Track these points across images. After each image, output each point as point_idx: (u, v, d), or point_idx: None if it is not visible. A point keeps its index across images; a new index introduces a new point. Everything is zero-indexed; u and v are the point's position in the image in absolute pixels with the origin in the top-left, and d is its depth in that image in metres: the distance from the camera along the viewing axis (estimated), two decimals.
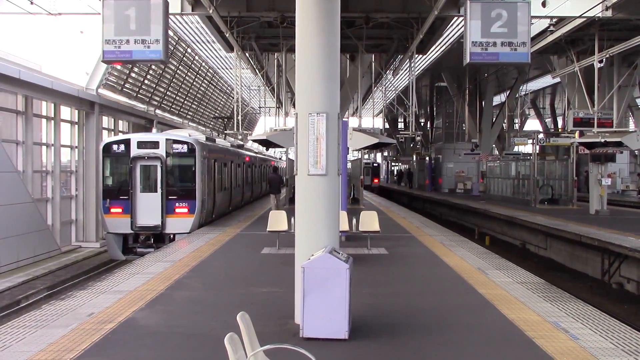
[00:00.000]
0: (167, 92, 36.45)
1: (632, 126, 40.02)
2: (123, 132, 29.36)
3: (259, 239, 15.97)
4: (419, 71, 34.59)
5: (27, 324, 7.80)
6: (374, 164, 62.06)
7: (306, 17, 8.07)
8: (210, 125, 49.70)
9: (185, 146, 19.37)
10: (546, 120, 57.43)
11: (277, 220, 14.46)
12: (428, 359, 6.69)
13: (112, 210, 18.95)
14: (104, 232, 20.27)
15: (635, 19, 19.34)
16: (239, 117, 24.91)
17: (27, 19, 19.63)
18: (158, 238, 19.06)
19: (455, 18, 20.41)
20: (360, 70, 24.81)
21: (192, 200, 19.20)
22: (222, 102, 49.91)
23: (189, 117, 43.46)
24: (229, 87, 45.89)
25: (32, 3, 16.57)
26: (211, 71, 41.23)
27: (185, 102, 40.96)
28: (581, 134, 26.50)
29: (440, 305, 9.10)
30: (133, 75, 30.65)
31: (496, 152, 45.35)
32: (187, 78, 38.32)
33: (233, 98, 34.44)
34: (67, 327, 7.63)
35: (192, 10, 18.22)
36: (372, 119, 30.96)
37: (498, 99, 45.61)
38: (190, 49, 34.45)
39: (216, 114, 49.02)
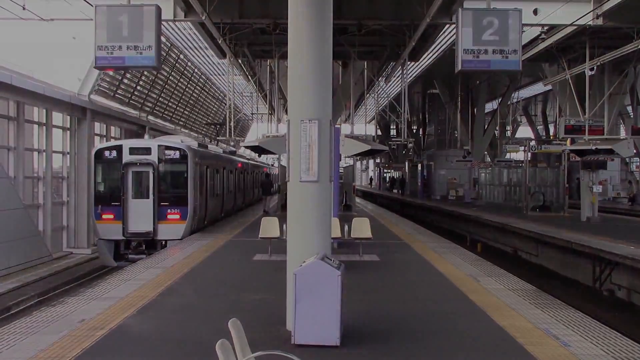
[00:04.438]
0: (160, 99, 36.38)
1: (623, 134, 40.23)
2: (115, 138, 29.28)
3: (251, 246, 15.94)
4: (411, 78, 34.68)
5: (17, 330, 7.76)
6: None
7: (298, 24, 8.10)
8: (203, 132, 49.60)
9: (177, 152, 19.33)
10: (538, 128, 57.69)
11: (269, 227, 14.44)
12: None
13: (104, 216, 18.88)
14: (96, 239, 20.19)
15: (625, 27, 19.49)
16: (232, 124, 24.93)
17: (19, 25, 19.56)
18: (150, 244, 19.00)
19: (447, 26, 20.50)
20: (352, 77, 24.87)
21: (184, 206, 19.16)
22: (214, 109, 49.87)
23: (181, 123, 43.38)
24: (221, 94, 45.85)
25: (24, 8, 16.54)
26: (203, 77, 41.21)
27: (178, 108, 40.90)
28: (572, 142, 26.62)
29: (431, 312, 9.10)
30: (125, 81, 30.57)
31: (488, 159, 45.47)
32: (179, 84, 38.27)
33: (225, 104, 34.41)
34: (58, 333, 7.59)
35: (185, 17, 18.24)
36: (364, 125, 31.07)
37: (490, 106, 45.78)
38: (183, 55, 34.44)
39: (208, 121, 48.96)
